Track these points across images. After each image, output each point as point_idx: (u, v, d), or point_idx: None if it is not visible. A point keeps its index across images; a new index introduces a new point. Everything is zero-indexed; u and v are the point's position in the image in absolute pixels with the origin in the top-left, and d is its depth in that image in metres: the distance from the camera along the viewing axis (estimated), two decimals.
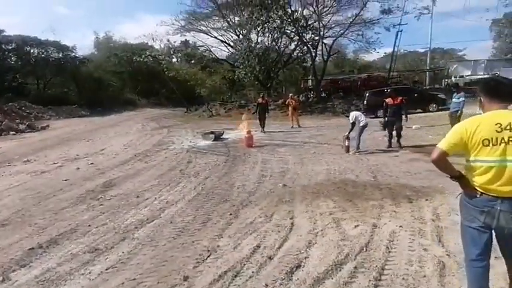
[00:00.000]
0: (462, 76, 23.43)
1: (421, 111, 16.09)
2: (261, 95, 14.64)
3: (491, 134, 1.87)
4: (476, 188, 1.97)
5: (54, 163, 8.16)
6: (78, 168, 7.49)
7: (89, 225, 4.02)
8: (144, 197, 5.12)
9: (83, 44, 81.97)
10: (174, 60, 32.32)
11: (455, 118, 9.04)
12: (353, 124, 7.98)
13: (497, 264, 2.29)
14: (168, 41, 27.84)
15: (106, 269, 2.94)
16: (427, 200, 4.33)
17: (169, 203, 4.78)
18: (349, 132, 8.02)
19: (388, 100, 8.17)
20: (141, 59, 28.78)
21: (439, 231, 3.37)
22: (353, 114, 8.13)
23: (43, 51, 31.10)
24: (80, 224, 4.07)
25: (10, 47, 29.60)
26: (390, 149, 8.05)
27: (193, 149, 9.54)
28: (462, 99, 9.29)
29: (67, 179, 6.51)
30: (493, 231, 1.98)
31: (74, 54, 32.74)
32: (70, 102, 29.46)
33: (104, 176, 6.70)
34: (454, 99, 9.56)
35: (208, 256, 3.13)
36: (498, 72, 21.26)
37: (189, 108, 27.06)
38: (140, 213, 4.39)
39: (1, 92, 25.39)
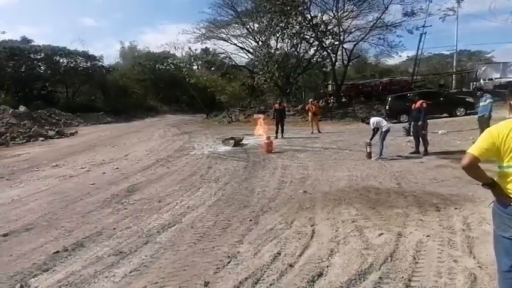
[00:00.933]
0: (491, 79, 22.31)
1: (447, 115, 15.49)
2: (278, 101, 14.67)
3: None
4: (510, 195, 1.88)
5: (82, 168, 8.49)
6: (104, 173, 7.75)
7: (114, 229, 4.13)
8: (166, 202, 5.21)
9: (108, 53, 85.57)
10: (195, 67, 33.13)
11: (484, 122, 8.64)
12: (374, 130, 7.79)
13: None
14: (190, 48, 28.65)
15: (130, 272, 3.00)
16: (456, 208, 4.13)
17: (190, 208, 4.83)
18: (371, 139, 7.83)
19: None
20: (164, 67, 29.75)
21: (469, 242, 3.20)
22: (373, 120, 7.92)
23: (72, 60, 32.76)
24: (106, 227, 4.19)
25: (39, 57, 31.32)
26: (415, 155, 7.77)
27: (213, 155, 9.64)
28: (489, 101, 8.85)
29: (94, 183, 6.74)
30: None
31: (101, 63, 34.26)
32: (97, 109, 30.80)
33: (128, 181, 6.89)
34: (481, 103, 9.16)
35: (229, 262, 3.12)
36: None
37: (209, 115, 27.52)
38: (162, 218, 4.47)
39: (31, 99, 26.95)
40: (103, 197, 5.69)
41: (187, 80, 27.45)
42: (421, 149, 7.82)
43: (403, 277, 2.66)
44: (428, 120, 7.89)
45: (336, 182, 5.87)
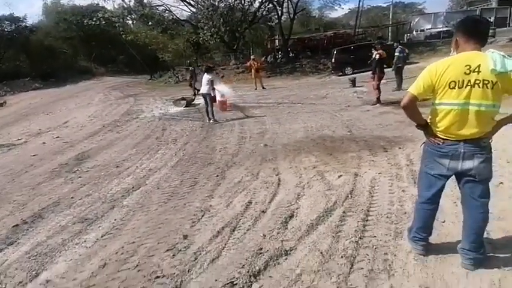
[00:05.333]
0: (423, 30, 23.99)
1: (385, 66, 16.54)
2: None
3: (459, 76, 1.79)
4: (439, 134, 1.96)
5: (18, 139, 7.63)
6: (44, 143, 7.07)
7: (72, 197, 3.90)
8: (125, 167, 5.00)
9: (31, 12, 72.49)
10: (130, 22, 29.86)
11: (396, 72, 10.26)
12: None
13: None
14: (123, 0, 25.43)
15: (102, 236, 2.92)
16: (400, 148, 4.65)
17: (152, 170, 4.71)
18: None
19: None
20: (93, 22, 26.35)
21: (413, 174, 3.66)
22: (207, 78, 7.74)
23: None
24: (62, 197, 3.93)
25: None
26: (367, 105, 8.11)
27: (165, 117, 9.27)
28: (396, 54, 10.12)
29: (35, 154, 6.15)
30: (450, 178, 2.03)
31: (24, 24, 29.21)
32: (23, 75, 26.68)
33: (75, 149, 6.39)
34: (395, 54, 10.27)
35: (203, 215, 3.20)
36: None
37: (153, 75, 25.72)
38: (124, 182, 4.31)
39: None
40: (50, 168, 5.27)
41: (123, 36, 24.76)
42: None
43: (362, 209, 3.01)
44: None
45: (293, 133, 6.12)
